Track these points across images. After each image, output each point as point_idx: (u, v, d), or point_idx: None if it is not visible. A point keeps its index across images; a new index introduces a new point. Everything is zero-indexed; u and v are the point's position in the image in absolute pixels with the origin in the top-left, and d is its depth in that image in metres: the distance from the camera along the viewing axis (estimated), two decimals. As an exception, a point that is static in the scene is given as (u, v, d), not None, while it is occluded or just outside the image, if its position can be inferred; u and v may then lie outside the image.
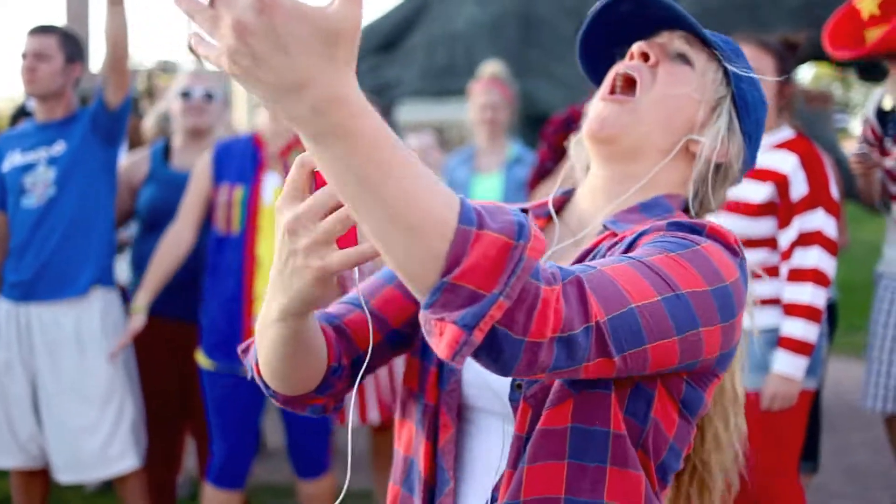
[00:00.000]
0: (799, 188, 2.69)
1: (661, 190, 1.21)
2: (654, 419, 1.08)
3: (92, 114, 3.18)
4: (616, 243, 1.11)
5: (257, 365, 1.16)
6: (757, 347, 2.74)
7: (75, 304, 3.15)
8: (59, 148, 3.17)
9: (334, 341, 1.18)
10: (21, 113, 5.14)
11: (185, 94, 3.54)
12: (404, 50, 6.75)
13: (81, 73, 3.27)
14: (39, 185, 3.15)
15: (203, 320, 3.16)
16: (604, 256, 1.10)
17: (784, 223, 2.72)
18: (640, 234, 1.08)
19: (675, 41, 1.22)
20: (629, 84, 1.20)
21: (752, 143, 1.25)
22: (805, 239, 2.67)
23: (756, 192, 2.75)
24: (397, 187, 0.79)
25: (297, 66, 0.75)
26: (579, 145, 1.30)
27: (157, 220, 3.46)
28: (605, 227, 1.17)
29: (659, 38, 1.22)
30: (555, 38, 6.00)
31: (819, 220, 2.67)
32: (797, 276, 2.67)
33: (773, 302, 2.73)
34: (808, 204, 2.68)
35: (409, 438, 1.24)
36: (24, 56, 3.16)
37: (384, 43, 6.77)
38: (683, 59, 1.20)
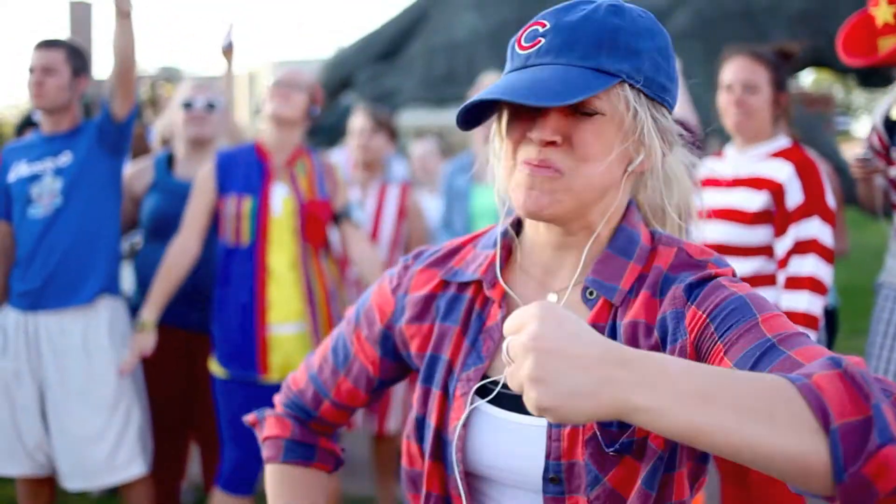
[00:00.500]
0: (794, 197, 2.73)
1: (614, 214, 1.17)
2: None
3: (98, 125, 3.22)
4: (619, 325, 1.11)
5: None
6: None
7: (82, 313, 3.18)
8: (65, 159, 3.21)
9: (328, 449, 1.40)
10: (27, 122, 5.19)
11: (188, 105, 3.58)
12: (405, 58, 6.78)
13: (87, 86, 3.32)
14: (46, 196, 3.19)
15: (216, 330, 3.19)
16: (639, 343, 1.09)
17: (780, 231, 2.75)
18: (666, 327, 1.08)
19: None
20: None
21: (672, 93, 1.15)
22: (801, 247, 2.70)
23: (752, 200, 2.79)
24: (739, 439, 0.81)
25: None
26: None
27: (160, 229, 3.49)
28: (592, 291, 1.15)
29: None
30: (555, 46, 6.05)
31: (815, 229, 2.70)
32: (794, 284, 2.70)
33: (770, 309, 2.77)
34: (803, 212, 2.71)
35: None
36: (32, 70, 3.20)
37: (385, 52, 6.80)
38: (582, 111, 1.09)
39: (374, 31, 6.97)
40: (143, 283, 3.46)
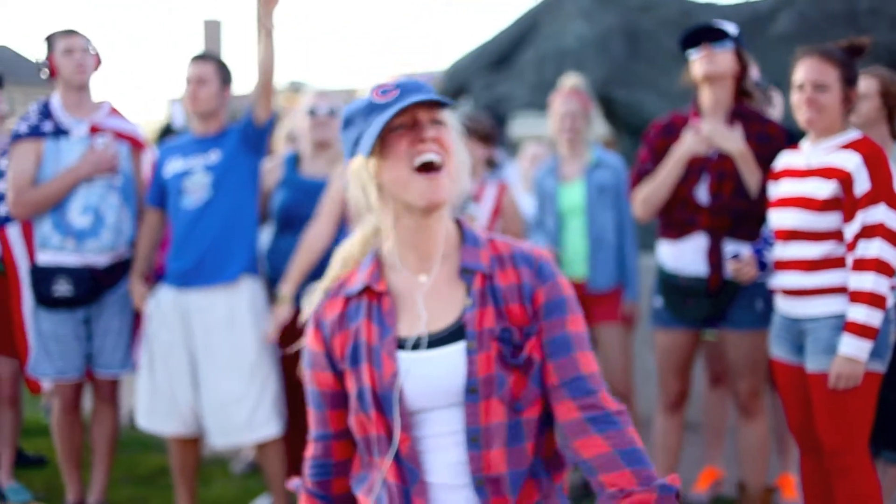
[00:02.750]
0: (862, 185, 2.93)
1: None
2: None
3: (242, 128, 3.72)
4: (497, 287, 1.68)
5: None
6: (825, 332, 3.01)
7: (227, 290, 3.67)
8: (214, 157, 3.72)
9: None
10: (167, 131, 5.81)
11: (312, 112, 4.03)
12: (516, 66, 7.11)
13: (231, 95, 3.83)
14: (197, 188, 3.70)
15: None
16: (507, 298, 1.68)
17: (848, 217, 2.96)
18: (520, 285, 1.69)
19: (432, 115, 1.67)
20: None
21: None
22: (868, 231, 2.91)
23: (822, 188, 3.02)
24: None
25: None
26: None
27: (290, 221, 3.94)
28: (467, 271, 1.69)
29: (428, 115, 1.66)
30: (659, 51, 6.24)
31: (881, 214, 2.90)
32: (861, 265, 2.91)
33: (840, 290, 3.00)
34: (870, 199, 2.91)
35: (371, 482, 1.72)
36: (188, 81, 3.72)
37: (497, 60, 7.14)
38: (437, 123, 1.66)
39: (487, 40, 7.32)
40: (274, 270, 3.91)
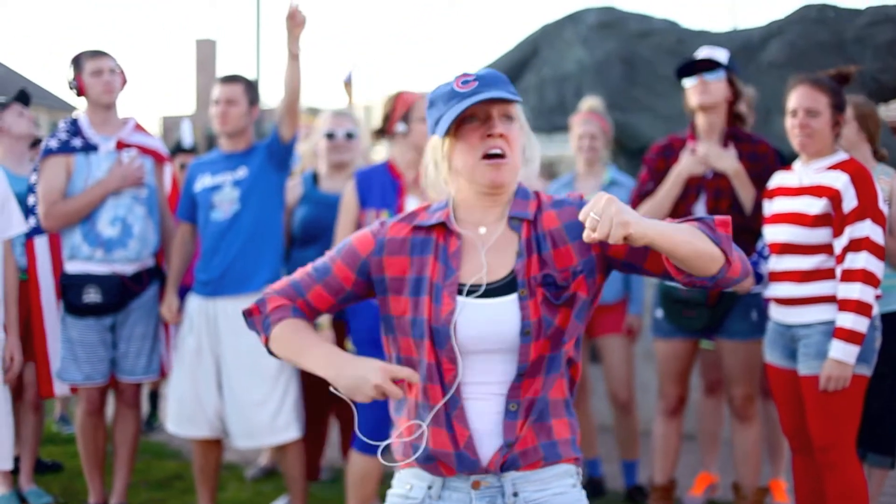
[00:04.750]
0: (850, 202, 3.18)
1: None
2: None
3: (268, 146, 3.93)
4: (542, 234, 1.89)
5: (266, 337, 1.95)
6: (816, 338, 3.24)
7: (253, 299, 3.85)
8: (241, 173, 3.93)
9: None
10: (177, 149, 5.98)
11: (330, 135, 4.23)
12: (518, 90, 7.33)
13: (258, 114, 4.05)
14: (226, 203, 3.91)
15: (351, 320, 3.75)
16: (551, 240, 1.87)
17: (838, 232, 3.21)
18: (562, 226, 1.89)
19: (504, 110, 1.88)
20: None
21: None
22: (855, 245, 3.15)
23: (813, 206, 3.26)
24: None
25: None
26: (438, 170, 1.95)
27: (310, 236, 4.15)
28: (514, 219, 1.90)
29: (498, 110, 1.87)
30: (656, 76, 6.46)
31: (867, 229, 3.14)
32: (849, 276, 3.15)
33: (830, 299, 3.23)
34: (857, 215, 3.16)
35: (416, 392, 1.92)
36: (217, 102, 3.94)
37: (499, 84, 7.36)
38: (508, 118, 1.88)
39: (489, 64, 7.52)
40: (295, 281, 4.11)
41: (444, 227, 1.92)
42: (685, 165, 3.79)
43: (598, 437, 4.79)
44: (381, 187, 3.73)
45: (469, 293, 1.85)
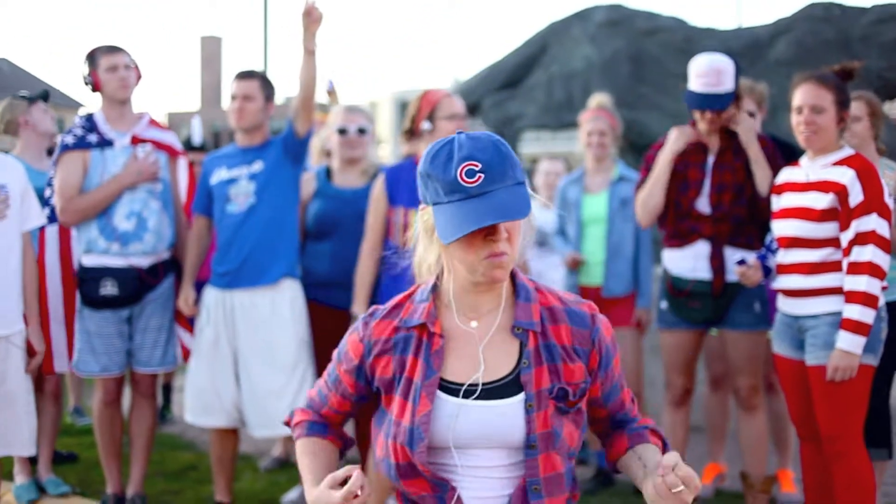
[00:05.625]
0: (856, 197, 3.24)
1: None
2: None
3: (283, 140, 4.00)
4: (551, 345, 1.81)
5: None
6: (823, 329, 3.30)
7: (269, 291, 3.94)
8: (257, 167, 4.00)
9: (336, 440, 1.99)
10: (187, 146, 6.03)
11: (342, 131, 4.30)
12: (526, 87, 7.38)
13: (273, 110, 4.11)
14: (241, 196, 3.97)
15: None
16: (561, 356, 1.80)
17: (844, 226, 3.27)
18: (571, 344, 1.82)
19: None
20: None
21: None
22: (861, 238, 3.21)
23: (820, 200, 3.32)
24: None
25: None
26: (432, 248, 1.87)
27: (323, 230, 4.20)
28: (518, 328, 1.81)
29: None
30: (663, 74, 6.53)
31: (873, 223, 3.21)
32: (855, 269, 3.22)
33: (837, 291, 3.29)
34: (863, 209, 3.22)
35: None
36: (234, 97, 4.00)
37: (508, 80, 7.42)
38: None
39: (497, 61, 7.57)
40: (308, 273, 4.17)
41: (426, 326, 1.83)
42: (671, 144, 3.90)
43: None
44: (409, 186, 3.79)
45: (466, 395, 1.77)
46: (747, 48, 6.16)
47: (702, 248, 3.87)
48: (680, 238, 3.93)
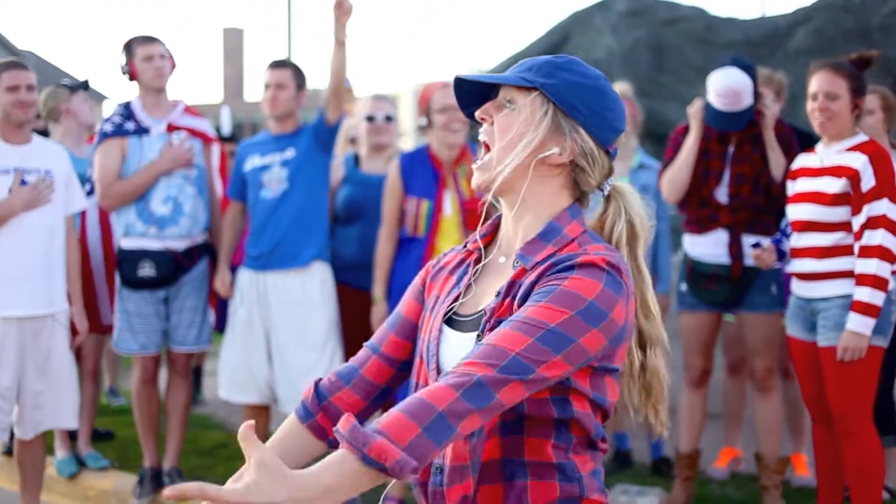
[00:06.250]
0: (868, 181, 3.35)
1: (546, 207, 1.62)
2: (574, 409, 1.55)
3: (315, 128, 4.15)
4: (524, 283, 1.54)
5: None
6: (835, 311, 3.42)
7: (300, 273, 4.10)
8: (289, 153, 4.15)
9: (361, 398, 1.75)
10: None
11: (370, 118, 4.43)
12: (549, 76, 7.48)
13: (305, 98, 4.26)
14: (274, 182, 4.13)
15: (392, 299, 3.97)
16: (522, 295, 1.53)
17: (856, 211, 3.38)
18: (535, 282, 1.53)
19: (502, 94, 1.60)
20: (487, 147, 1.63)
21: (595, 125, 1.58)
22: (872, 222, 3.33)
23: (833, 185, 3.44)
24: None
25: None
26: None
27: (352, 214, 4.34)
28: (517, 261, 1.59)
29: (496, 97, 1.61)
30: (683, 63, 6.61)
31: (884, 207, 3.31)
32: (866, 252, 3.33)
33: (849, 274, 3.41)
34: (875, 194, 3.33)
35: None
36: (267, 86, 4.15)
37: (529, 70, 7.52)
38: (510, 104, 1.58)
39: (519, 51, 7.68)
40: (336, 256, 4.31)
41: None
42: (695, 119, 3.99)
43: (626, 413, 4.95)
44: (424, 176, 3.92)
45: (448, 322, 1.67)
46: (767, 37, 6.23)
47: (721, 236, 3.99)
48: (699, 225, 4.05)
